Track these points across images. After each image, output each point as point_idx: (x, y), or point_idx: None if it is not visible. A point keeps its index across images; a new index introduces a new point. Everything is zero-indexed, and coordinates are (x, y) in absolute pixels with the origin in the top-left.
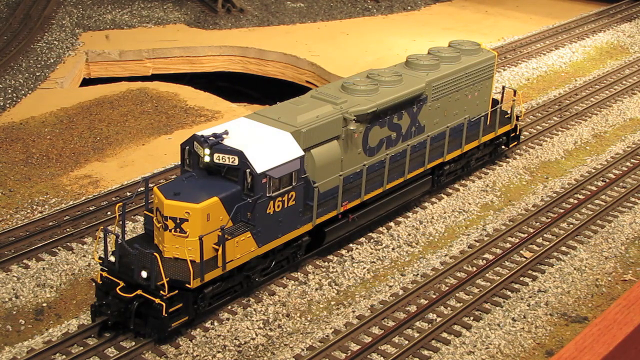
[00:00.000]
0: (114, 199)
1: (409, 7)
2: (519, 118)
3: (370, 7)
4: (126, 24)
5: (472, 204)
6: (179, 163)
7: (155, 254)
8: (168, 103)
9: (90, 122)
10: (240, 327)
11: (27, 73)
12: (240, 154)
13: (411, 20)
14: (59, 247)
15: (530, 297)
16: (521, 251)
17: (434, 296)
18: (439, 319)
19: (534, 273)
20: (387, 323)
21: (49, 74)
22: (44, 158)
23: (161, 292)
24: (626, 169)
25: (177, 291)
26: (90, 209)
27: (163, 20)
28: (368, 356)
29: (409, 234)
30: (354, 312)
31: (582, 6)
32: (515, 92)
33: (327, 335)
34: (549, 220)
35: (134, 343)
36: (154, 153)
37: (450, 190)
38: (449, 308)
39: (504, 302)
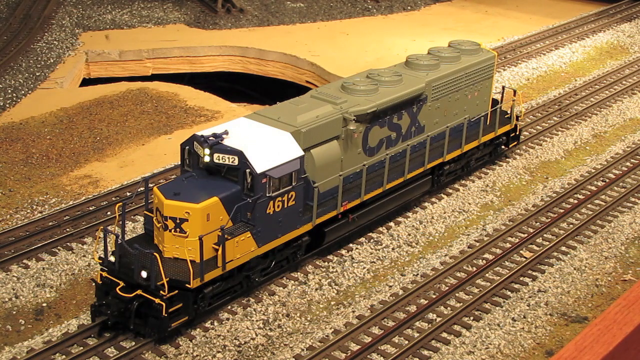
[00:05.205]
0: (114, 199)
1: (409, 7)
2: (519, 118)
3: (370, 7)
4: (126, 24)
5: (472, 204)
6: (179, 163)
7: (155, 254)
8: (168, 103)
9: (90, 122)
10: (240, 327)
11: (27, 73)
12: (240, 154)
13: (411, 20)
14: (59, 247)
15: (530, 297)
16: (521, 251)
17: (434, 296)
18: (439, 319)
19: (534, 273)
20: (387, 323)
21: (48, 74)
22: (44, 158)
23: (161, 292)
24: (626, 169)
25: (177, 291)
26: (90, 209)
27: (163, 20)
28: (368, 356)
29: (409, 234)
30: (353, 312)
31: (582, 6)
32: (515, 92)
33: (327, 335)
34: (549, 220)
35: (134, 343)
36: (154, 153)
37: (450, 190)
38: (449, 308)
39: (504, 302)
